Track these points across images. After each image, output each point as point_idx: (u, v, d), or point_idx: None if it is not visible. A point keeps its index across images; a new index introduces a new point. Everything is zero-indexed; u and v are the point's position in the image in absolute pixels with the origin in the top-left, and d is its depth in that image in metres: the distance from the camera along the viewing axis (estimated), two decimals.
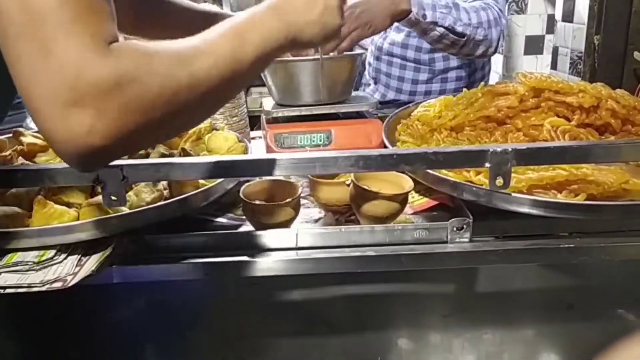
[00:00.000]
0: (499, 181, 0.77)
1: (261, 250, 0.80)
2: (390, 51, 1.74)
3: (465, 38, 1.38)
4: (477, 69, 1.75)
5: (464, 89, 1.15)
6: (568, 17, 2.07)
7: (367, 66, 1.88)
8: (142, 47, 0.51)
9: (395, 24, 1.39)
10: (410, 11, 1.30)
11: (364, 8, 1.28)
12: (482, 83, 1.16)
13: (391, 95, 1.76)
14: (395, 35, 1.74)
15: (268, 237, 0.81)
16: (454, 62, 1.71)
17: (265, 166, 0.77)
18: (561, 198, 0.81)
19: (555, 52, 2.19)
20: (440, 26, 1.35)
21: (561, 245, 0.81)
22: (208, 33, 0.57)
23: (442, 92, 1.69)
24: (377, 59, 1.78)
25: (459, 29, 1.36)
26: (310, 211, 0.94)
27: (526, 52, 2.60)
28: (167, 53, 0.52)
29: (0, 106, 0.70)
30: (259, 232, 0.82)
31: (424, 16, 1.33)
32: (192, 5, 0.97)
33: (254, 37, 0.59)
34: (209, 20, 0.72)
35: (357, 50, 1.51)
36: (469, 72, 1.73)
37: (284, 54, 0.70)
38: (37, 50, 0.46)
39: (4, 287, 0.69)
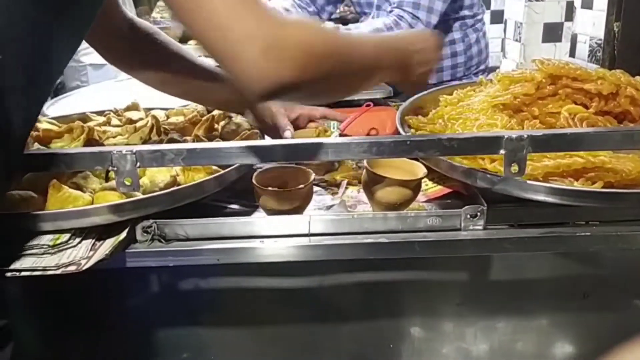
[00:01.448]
0: (514, 168, 0.76)
1: (273, 236, 0.80)
2: None
3: None
4: (472, 44, 1.77)
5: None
6: (587, 3, 2.03)
7: None
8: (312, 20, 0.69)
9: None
10: None
11: None
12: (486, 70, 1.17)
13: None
14: (378, 22, 1.78)
15: (280, 224, 0.81)
16: (445, 37, 1.75)
17: (278, 152, 0.77)
18: (578, 186, 0.80)
19: (574, 39, 2.15)
20: None
21: (577, 234, 0.80)
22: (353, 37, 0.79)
23: (439, 70, 1.74)
24: None
25: None
26: (322, 198, 0.93)
27: (544, 40, 2.56)
28: (332, 30, 0.72)
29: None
30: (271, 218, 0.82)
31: None
32: (186, 55, 1.04)
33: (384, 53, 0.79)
34: (195, 71, 0.97)
35: None
36: (464, 47, 1.75)
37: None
38: (238, 8, 0.60)
39: (20, 270, 0.70)
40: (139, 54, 1.00)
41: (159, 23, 2.50)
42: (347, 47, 0.71)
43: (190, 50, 1.06)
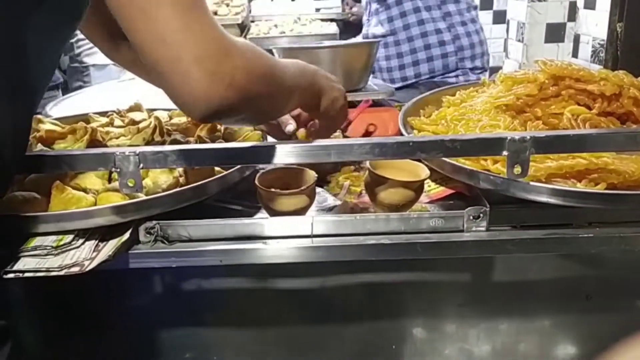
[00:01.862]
0: (517, 169, 0.75)
1: (276, 237, 0.80)
2: (374, 34, 1.85)
3: None
4: (460, 35, 1.84)
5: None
6: (590, 4, 2.03)
7: None
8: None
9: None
10: None
11: None
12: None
13: (385, 77, 1.82)
14: (374, 17, 1.86)
15: (283, 225, 0.81)
16: (430, 26, 1.82)
17: (280, 153, 0.77)
18: (581, 187, 0.80)
19: (576, 40, 2.15)
20: None
21: (580, 235, 0.80)
22: (283, 63, 0.79)
23: (429, 59, 1.83)
24: None
25: None
26: (325, 199, 0.93)
27: (547, 41, 2.56)
28: (267, 55, 0.73)
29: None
30: (273, 220, 0.82)
31: None
32: None
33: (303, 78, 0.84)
34: None
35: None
36: (451, 37, 1.81)
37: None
38: (188, 28, 0.61)
39: (23, 271, 0.70)
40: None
41: None
42: (279, 71, 0.75)
43: None
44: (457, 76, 1.89)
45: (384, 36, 1.86)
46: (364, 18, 2.05)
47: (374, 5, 1.92)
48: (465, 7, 1.88)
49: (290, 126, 1.02)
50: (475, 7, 1.94)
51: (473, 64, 1.90)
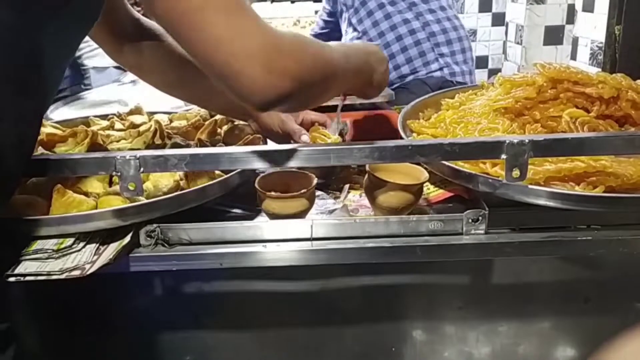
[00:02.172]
0: (516, 173, 0.76)
1: (276, 240, 0.81)
2: (351, 38, 1.90)
3: None
4: (431, 22, 1.89)
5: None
6: (589, 6, 2.04)
7: None
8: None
9: None
10: None
11: None
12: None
13: None
14: (350, 27, 1.90)
15: (283, 228, 0.81)
16: (397, 18, 1.87)
17: (280, 157, 0.77)
18: (579, 190, 0.80)
19: (575, 42, 2.16)
20: None
21: (578, 238, 0.80)
22: (330, 46, 0.81)
23: (403, 49, 1.87)
24: None
25: None
26: (325, 202, 0.94)
27: (545, 43, 2.56)
28: (316, 42, 0.79)
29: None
30: (274, 223, 0.83)
31: None
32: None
33: (353, 59, 0.87)
34: (199, 76, 0.91)
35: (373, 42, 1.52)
36: (421, 25, 1.88)
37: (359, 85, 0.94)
38: (235, 31, 0.64)
39: (24, 275, 0.70)
40: (144, 54, 0.99)
41: None
42: (329, 57, 0.77)
43: None
44: (441, 69, 1.89)
45: (358, 39, 1.89)
46: (343, 29, 2.07)
47: (345, 15, 1.97)
48: None
49: (305, 136, 1.03)
50: None
51: (450, 48, 1.91)
